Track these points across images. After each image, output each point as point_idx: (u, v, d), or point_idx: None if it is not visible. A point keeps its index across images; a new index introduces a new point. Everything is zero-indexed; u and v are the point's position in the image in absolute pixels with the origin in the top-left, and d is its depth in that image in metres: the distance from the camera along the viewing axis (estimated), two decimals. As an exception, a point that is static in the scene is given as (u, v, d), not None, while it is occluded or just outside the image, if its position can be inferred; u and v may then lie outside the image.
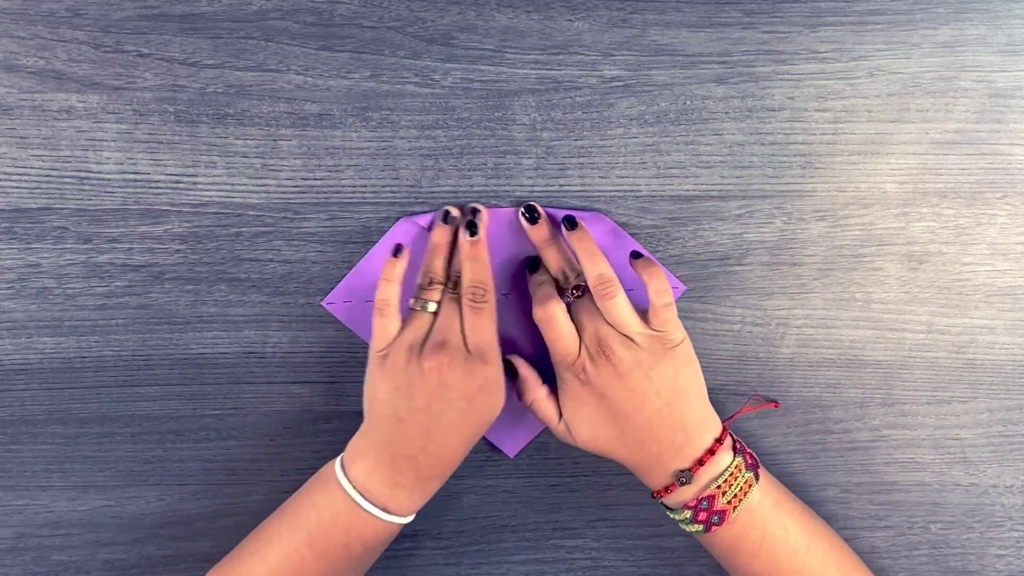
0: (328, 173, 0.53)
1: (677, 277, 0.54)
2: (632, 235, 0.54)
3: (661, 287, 0.49)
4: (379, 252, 0.53)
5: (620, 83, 0.53)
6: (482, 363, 0.48)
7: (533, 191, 0.53)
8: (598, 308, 0.49)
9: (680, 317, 0.54)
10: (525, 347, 0.55)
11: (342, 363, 0.55)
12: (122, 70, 0.51)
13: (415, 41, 0.52)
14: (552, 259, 0.52)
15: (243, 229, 0.53)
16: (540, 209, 0.52)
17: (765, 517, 0.49)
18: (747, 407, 0.56)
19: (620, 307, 0.49)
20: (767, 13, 0.52)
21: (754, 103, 0.53)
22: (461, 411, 0.48)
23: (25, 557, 0.56)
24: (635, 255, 0.51)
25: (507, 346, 0.53)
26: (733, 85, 0.53)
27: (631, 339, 0.49)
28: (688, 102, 0.53)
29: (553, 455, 0.57)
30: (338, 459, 0.50)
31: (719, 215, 0.54)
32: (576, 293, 0.50)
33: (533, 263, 0.53)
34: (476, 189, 0.53)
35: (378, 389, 0.49)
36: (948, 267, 0.55)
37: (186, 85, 0.52)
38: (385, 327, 0.50)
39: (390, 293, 0.50)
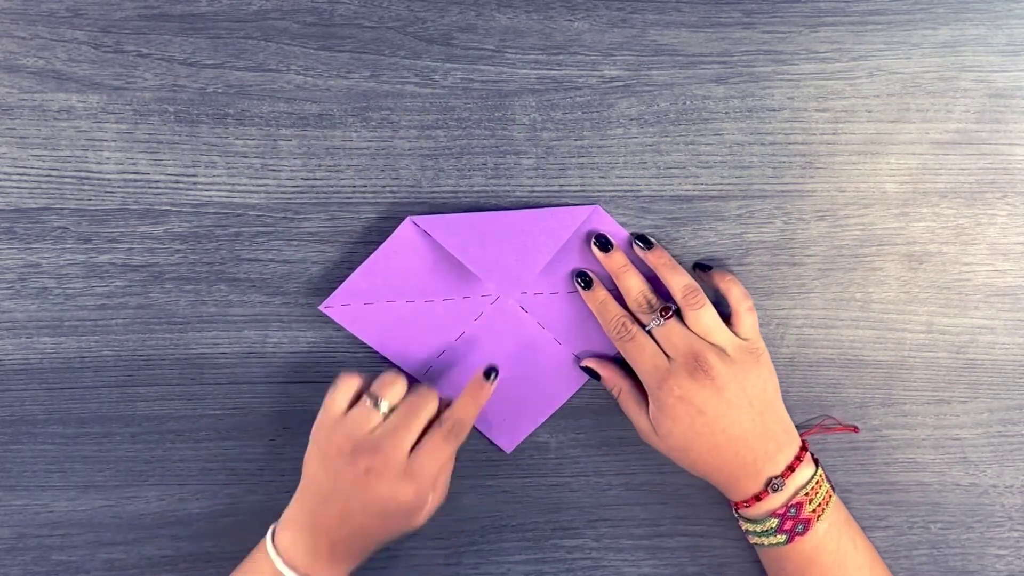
0: (328, 173, 0.53)
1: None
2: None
3: (741, 293, 0.51)
4: (381, 255, 0.53)
5: (620, 83, 0.53)
6: (411, 483, 0.49)
7: (533, 191, 0.53)
8: (683, 324, 0.50)
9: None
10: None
11: (342, 363, 0.55)
12: (122, 70, 0.51)
13: (415, 41, 0.52)
14: (631, 287, 0.52)
15: (243, 229, 0.53)
16: (611, 238, 0.53)
17: (840, 532, 0.50)
18: (817, 428, 0.57)
19: (709, 315, 0.50)
20: (767, 13, 0.52)
21: (754, 103, 0.53)
22: (375, 516, 0.49)
23: (25, 557, 0.56)
24: (704, 267, 0.53)
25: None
26: (733, 85, 0.53)
27: (724, 350, 0.50)
28: (688, 102, 0.53)
29: (553, 455, 0.57)
30: (272, 526, 0.51)
31: (719, 215, 0.54)
32: (666, 315, 0.50)
33: (586, 278, 0.53)
34: (476, 189, 0.53)
35: (313, 463, 0.51)
36: (948, 267, 0.55)
37: (186, 85, 0.52)
38: (337, 395, 0.51)
39: (383, 383, 0.51)
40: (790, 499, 0.49)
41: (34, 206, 0.53)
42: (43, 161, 0.52)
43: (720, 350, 0.50)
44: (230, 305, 0.54)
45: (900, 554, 0.58)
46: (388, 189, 0.53)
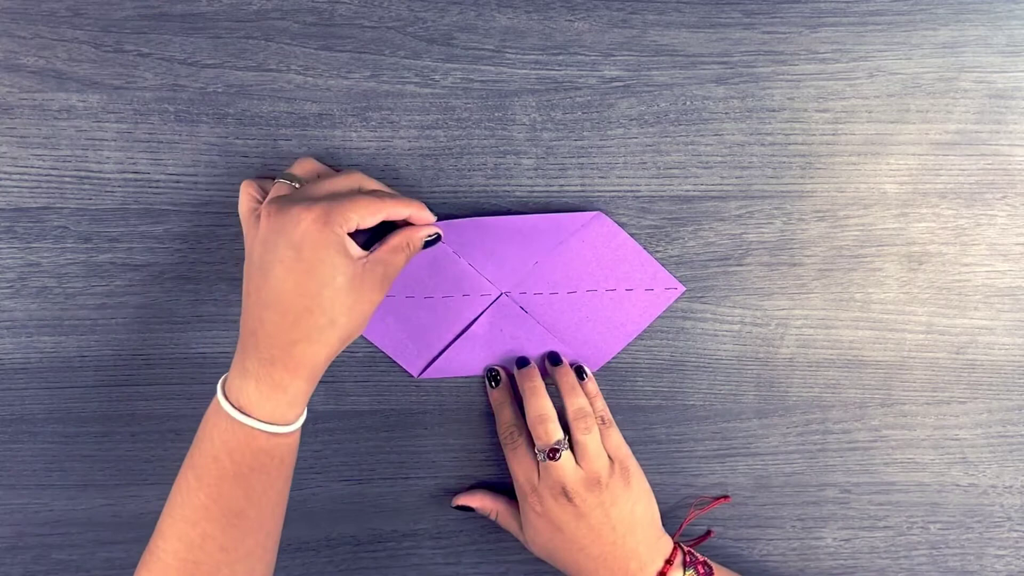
0: (328, 173, 0.53)
1: (676, 277, 0.54)
2: (632, 235, 0.54)
3: (601, 407, 0.54)
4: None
5: (620, 83, 0.53)
6: (308, 204, 0.44)
7: (533, 191, 0.53)
8: (570, 459, 0.51)
9: (680, 317, 0.54)
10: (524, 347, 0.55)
11: (342, 363, 0.55)
12: (122, 70, 0.51)
13: (415, 41, 0.52)
14: (531, 408, 0.52)
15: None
16: (532, 362, 0.55)
17: None
18: (692, 512, 0.57)
19: (594, 442, 0.51)
20: (767, 14, 0.52)
21: (754, 103, 0.53)
22: (288, 263, 0.43)
23: (25, 556, 0.56)
24: (580, 374, 0.54)
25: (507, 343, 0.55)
26: (733, 85, 0.53)
27: (598, 480, 0.50)
28: (688, 102, 0.53)
29: (553, 455, 0.57)
30: (220, 380, 0.47)
31: (719, 215, 0.54)
32: (553, 456, 0.50)
33: (496, 378, 0.55)
34: (476, 189, 0.53)
35: (245, 265, 0.46)
36: (948, 267, 0.55)
37: (186, 85, 0.52)
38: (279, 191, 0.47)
39: (309, 165, 0.49)
40: None
41: (34, 205, 0.53)
42: (43, 160, 0.52)
43: (594, 479, 0.50)
44: (230, 305, 0.54)
45: (900, 554, 0.58)
46: (388, 189, 0.53)
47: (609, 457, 0.51)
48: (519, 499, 0.53)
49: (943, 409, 0.57)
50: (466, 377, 0.56)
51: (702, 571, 0.51)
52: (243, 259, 0.53)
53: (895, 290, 0.55)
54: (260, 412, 0.44)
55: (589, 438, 0.51)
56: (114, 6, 0.51)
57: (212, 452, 0.45)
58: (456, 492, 0.57)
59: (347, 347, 0.55)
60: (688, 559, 0.51)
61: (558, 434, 0.51)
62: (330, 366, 0.55)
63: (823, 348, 0.56)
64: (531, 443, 0.52)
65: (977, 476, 0.58)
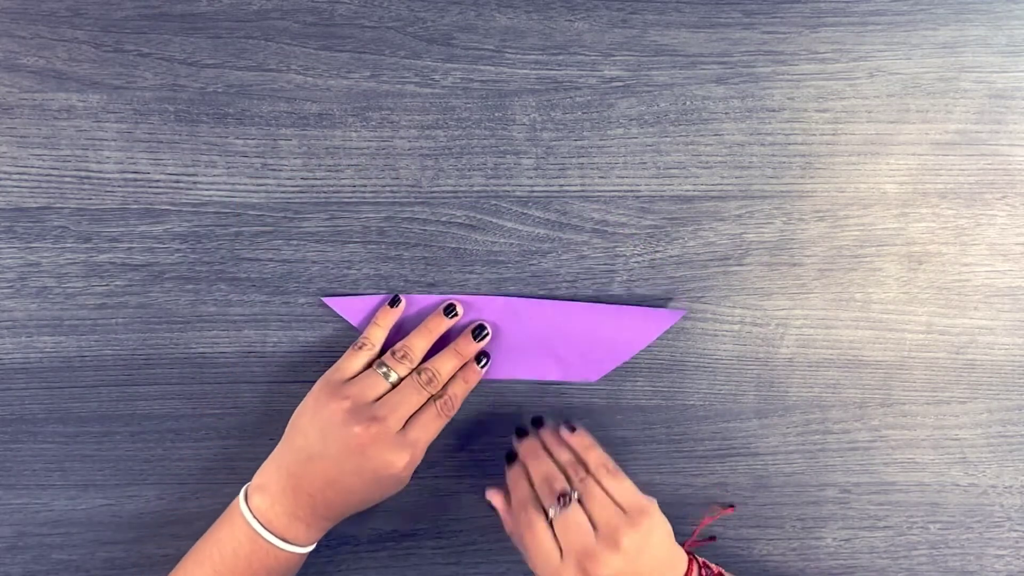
0: (328, 173, 0.53)
1: (676, 277, 0.54)
2: (632, 235, 0.54)
3: (600, 458, 0.51)
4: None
5: (620, 83, 0.53)
6: (405, 452, 0.49)
7: (533, 191, 0.53)
8: (581, 514, 0.49)
9: (680, 317, 0.54)
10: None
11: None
12: (122, 70, 0.51)
13: (415, 41, 0.52)
14: (537, 469, 0.51)
15: (243, 229, 0.53)
16: (529, 429, 0.54)
17: None
18: (702, 523, 0.57)
19: (594, 490, 0.49)
20: (767, 14, 0.52)
21: (754, 103, 0.53)
22: (366, 481, 0.49)
23: (25, 555, 0.56)
24: (569, 427, 0.53)
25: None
26: (733, 85, 0.53)
27: (616, 540, 0.48)
28: (688, 102, 0.53)
29: (553, 455, 0.57)
30: (243, 488, 0.51)
31: (719, 215, 0.54)
32: (563, 502, 0.49)
33: (510, 454, 0.54)
34: (476, 189, 0.53)
35: (305, 421, 0.50)
36: (948, 267, 0.55)
37: (186, 85, 0.52)
38: (354, 360, 0.52)
39: (377, 335, 0.53)
40: None
41: (34, 205, 0.53)
42: (43, 160, 0.52)
43: (612, 540, 0.48)
44: (230, 304, 0.54)
45: (900, 554, 0.58)
46: (388, 189, 0.53)
47: (623, 508, 0.49)
48: None
49: (943, 409, 0.57)
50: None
51: None
52: (242, 259, 0.54)
53: (895, 290, 0.55)
54: (303, 542, 0.50)
55: (588, 483, 0.50)
56: (114, 6, 0.51)
57: (247, 571, 0.49)
58: (456, 491, 0.57)
59: (347, 348, 0.55)
60: (704, 573, 0.51)
61: (564, 484, 0.50)
62: (328, 365, 0.55)
63: (823, 348, 0.56)
64: (546, 516, 0.50)
65: (977, 476, 0.58)
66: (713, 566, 0.52)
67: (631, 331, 0.54)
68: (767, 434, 0.57)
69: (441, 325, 0.53)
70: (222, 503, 0.56)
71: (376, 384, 0.51)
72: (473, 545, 0.58)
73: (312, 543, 0.51)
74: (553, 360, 0.55)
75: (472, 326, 0.54)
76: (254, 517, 0.49)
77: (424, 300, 0.54)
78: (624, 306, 0.54)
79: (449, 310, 0.54)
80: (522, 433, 0.54)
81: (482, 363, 0.54)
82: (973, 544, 0.58)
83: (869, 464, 0.57)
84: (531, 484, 0.51)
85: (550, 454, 0.52)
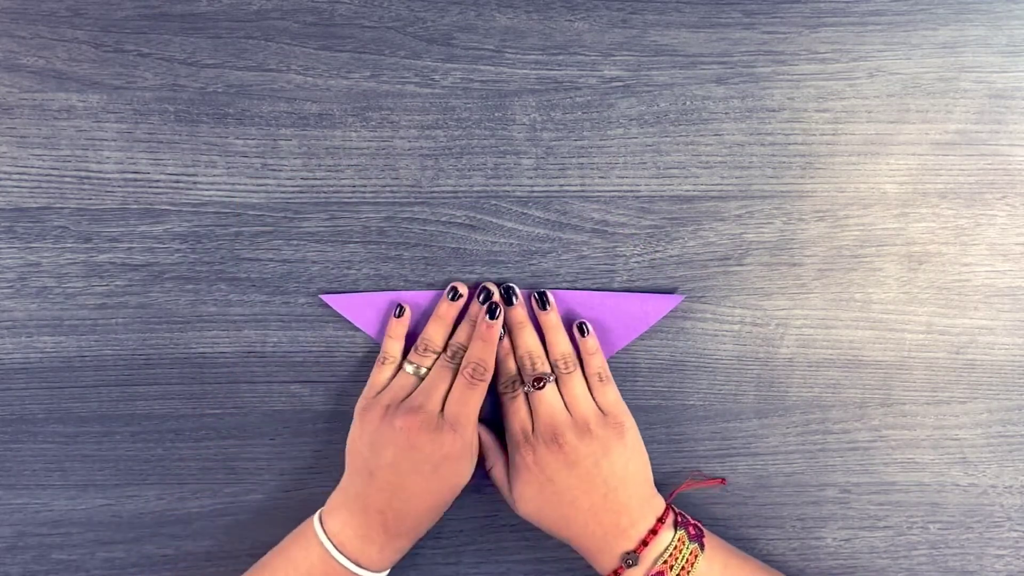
0: (328, 173, 0.53)
1: (676, 277, 0.54)
2: (632, 235, 0.54)
3: (598, 364, 0.53)
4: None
5: (620, 83, 0.53)
6: (452, 431, 0.49)
7: (533, 191, 0.53)
8: (557, 397, 0.52)
9: (680, 317, 0.54)
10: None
11: (342, 363, 0.55)
12: (122, 70, 0.51)
13: (415, 41, 0.52)
14: (520, 343, 0.53)
15: (243, 229, 0.53)
16: (517, 290, 0.53)
17: None
18: (688, 483, 0.57)
19: (579, 385, 0.52)
20: (767, 14, 0.52)
21: (754, 103, 0.53)
22: (426, 475, 0.49)
23: (25, 556, 0.56)
24: (581, 330, 0.53)
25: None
26: (733, 85, 0.53)
27: (587, 423, 0.50)
28: (688, 102, 0.53)
29: (553, 455, 0.57)
30: (317, 513, 0.51)
31: (719, 215, 0.54)
32: (538, 385, 0.51)
33: (508, 288, 0.54)
34: (476, 189, 0.53)
35: (356, 441, 0.51)
36: (948, 267, 0.55)
37: (186, 85, 0.52)
38: (381, 373, 0.53)
39: (394, 347, 0.53)
40: (649, 570, 0.49)
41: (34, 205, 0.53)
42: (43, 160, 0.52)
43: (583, 425, 0.51)
44: (230, 304, 0.54)
45: (899, 554, 0.58)
46: (388, 189, 0.53)
47: (603, 411, 0.52)
48: (511, 453, 0.53)
49: (943, 409, 0.57)
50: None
51: (693, 532, 0.51)
52: (242, 259, 0.54)
53: (895, 290, 0.55)
54: (377, 567, 0.50)
55: (573, 378, 0.52)
56: (114, 6, 0.51)
57: (306, 568, 0.49)
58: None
59: (347, 348, 0.55)
60: (680, 519, 0.51)
61: (545, 368, 0.52)
62: (329, 365, 0.55)
63: (823, 348, 0.56)
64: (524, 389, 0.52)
65: (977, 476, 0.58)
66: (691, 517, 0.52)
67: (629, 316, 0.55)
68: (767, 434, 0.57)
69: (451, 309, 0.53)
70: (222, 503, 0.57)
71: (407, 383, 0.52)
72: (473, 545, 0.58)
73: (385, 568, 0.51)
74: None
75: (487, 307, 0.53)
76: (328, 539, 0.49)
77: (427, 296, 0.54)
78: (622, 293, 0.54)
79: (452, 293, 0.53)
80: (509, 298, 0.53)
81: (495, 314, 0.52)
82: (973, 544, 0.58)
83: (869, 464, 0.57)
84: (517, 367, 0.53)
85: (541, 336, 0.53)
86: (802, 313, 0.56)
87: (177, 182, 0.53)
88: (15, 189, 0.52)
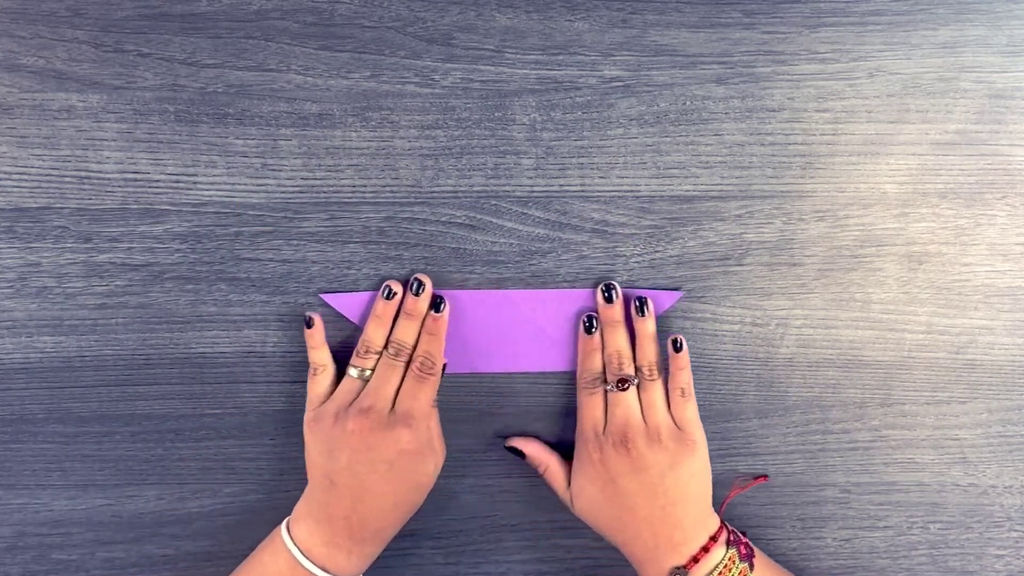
0: (328, 173, 0.53)
1: (676, 277, 0.54)
2: (632, 235, 0.54)
3: (684, 381, 0.53)
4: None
5: (620, 83, 0.53)
6: (405, 427, 0.50)
7: (533, 191, 0.53)
8: (635, 401, 0.52)
9: (680, 317, 0.54)
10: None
11: (342, 363, 0.55)
12: (122, 70, 0.51)
13: (415, 41, 0.52)
14: (611, 342, 0.53)
15: (243, 229, 0.53)
16: (618, 289, 0.53)
17: None
18: (735, 490, 0.57)
19: (658, 394, 0.52)
20: (767, 14, 0.52)
21: (754, 103, 0.53)
22: (383, 474, 0.49)
23: (25, 556, 0.56)
24: (675, 346, 0.53)
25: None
26: (733, 85, 0.53)
27: (659, 433, 0.51)
28: (688, 102, 0.53)
29: (553, 455, 0.57)
30: (284, 521, 0.51)
31: (719, 215, 0.54)
32: (622, 386, 0.52)
33: (591, 323, 0.54)
34: (476, 189, 0.53)
35: (311, 451, 0.51)
36: (948, 267, 0.55)
37: (186, 85, 0.52)
38: (316, 389, 0.53)
39: (320, 356, 0.53)
40: None
41: (34, 205, 0.53)
42: (43, 160, 0.52)
43: (655, 433, 0.51)
44: (230, 305, 0.54)
45: (900, 554, 0.58)
46: (388, 189, 0.53)
47: (678, 426, 0.52)
48: (578, 447, 0.53)
49: (943, 409, 0.57)
50: (451, 374, 0.56)
51: (744, 552, 0.51)
52: (242, 259, 0.54)
53: (895, 290, 0.55)
54: (346, 573, 0.50)
55: (655, 386, 0.52)
56: (114, 6, 0.51)
57: (274, 573, 0.50)
58: (456, 491, 0.57)
59: (348, 348, 0.55)
60: (732, 538, 0.51)
61: (630, 371, 0.52)
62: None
63: (823, 348, 0.56)
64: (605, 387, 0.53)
65: (977, 476, 0.58)
66: (742, 535, 0.52)
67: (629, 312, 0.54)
68: (767, 434, 0.57)
69: (388, 308, 0.53)
70: (222, 503, 0.57)
71: (352, 387, 0.52)
72: (473, 545, 0.58)
73: (356, 574, 0.51)
74: (556, 349, 0.55)
75: (431, 301, 0.53)
76: (295, 546, 0.49)
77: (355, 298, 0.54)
78: (623, 289, 0.54)
79: (387, 292, 0.52)
80: (609, 295, 0.53)
81: (440, 308, 0.52)
82: (973, 544, 0.58)
83: (869, 464, 0.57)
84: (603, 366, 0.53)
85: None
86: (802, 313, 0.56)
87: (177, 182, 0.53)
88: (15, 189, 0.52)
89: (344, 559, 0.49)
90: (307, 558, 0.49)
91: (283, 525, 0.51)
